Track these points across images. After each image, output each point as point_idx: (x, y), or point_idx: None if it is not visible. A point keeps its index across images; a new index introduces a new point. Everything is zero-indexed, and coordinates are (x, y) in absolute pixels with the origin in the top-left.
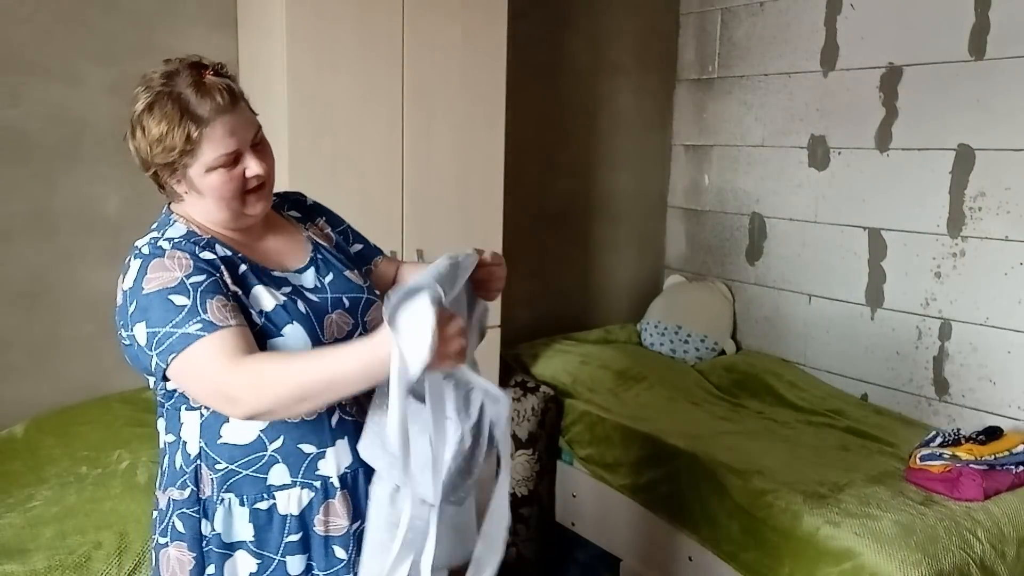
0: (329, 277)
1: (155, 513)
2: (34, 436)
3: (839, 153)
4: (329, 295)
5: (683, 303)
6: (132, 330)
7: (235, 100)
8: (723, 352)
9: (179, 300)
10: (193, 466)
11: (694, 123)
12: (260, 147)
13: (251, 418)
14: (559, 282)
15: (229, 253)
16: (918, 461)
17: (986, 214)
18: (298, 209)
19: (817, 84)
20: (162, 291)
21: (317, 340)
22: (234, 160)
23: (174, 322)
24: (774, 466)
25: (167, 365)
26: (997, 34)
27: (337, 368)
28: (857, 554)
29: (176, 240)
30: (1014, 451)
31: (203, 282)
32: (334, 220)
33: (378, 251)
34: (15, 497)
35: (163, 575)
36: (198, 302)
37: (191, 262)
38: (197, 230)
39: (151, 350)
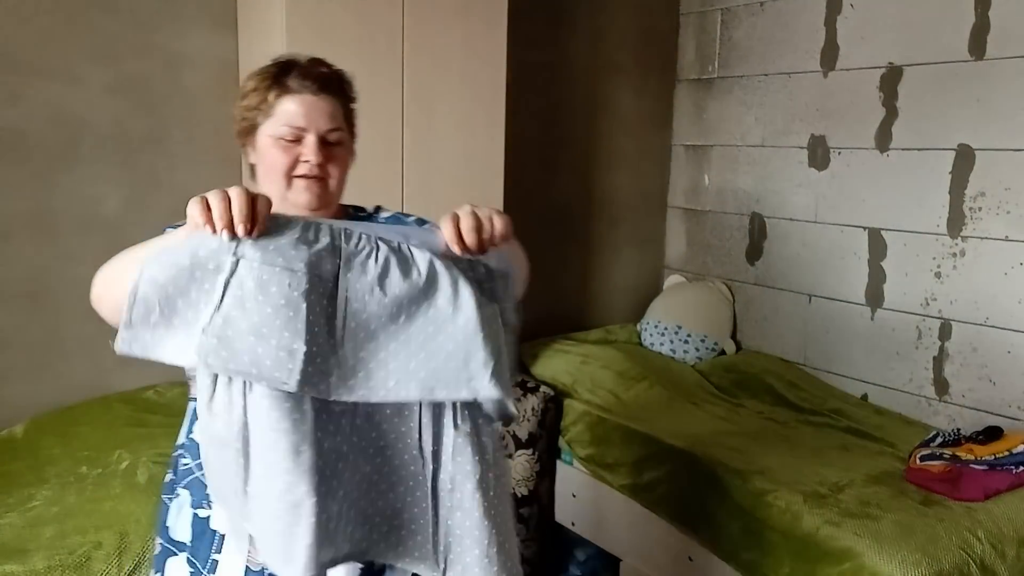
0: None
1: None
2: (34, 436)
3: (839, 153)
4: None
5: (683, 303)
6: None
7: (325, 89)
8: (723, 352)
9: None
10: (176, 454)
11: (694, 123)
12: (332, 146)
13: (94, 302)
14: (559, 282)
15: None
16: (918, 461)
17: (986, 214)
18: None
19: (817, 84)
20: None
21: None
22: (297, 139)
23: None
24: (774, 466)
25: None
26: (997, 34)
27: (165, 241)
28: (857, 554)
29: None
30: (1014, 451)
31: None
32: None
33: None
34: (15, 497)
35: None
36: None
37: None
38: None
39: None
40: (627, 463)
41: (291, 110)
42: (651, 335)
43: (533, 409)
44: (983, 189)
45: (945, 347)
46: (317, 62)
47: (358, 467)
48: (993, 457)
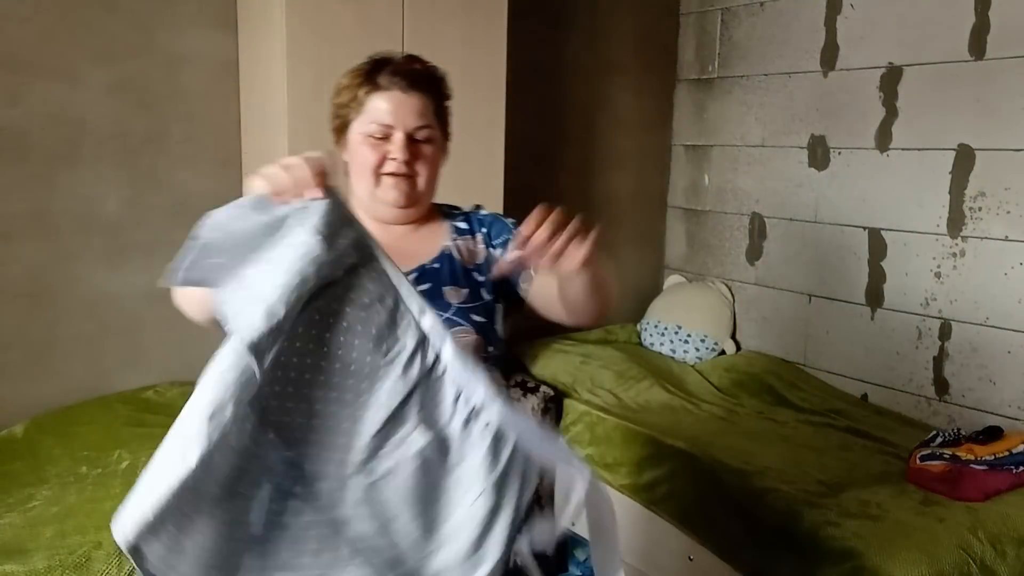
0: (424, 287)
1: None
2: (34, 436)
3: (839, 153)
4: None
5: (683, 303)
6: None
7: (415, 86)
8: (723, 352)
9: None
10: None
11: (694, 123)
12: (420, 144)
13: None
14: None
15: None
16: (918, 461)
17: (986, 214)
18: (467, 222)
19: (817, 84)
20: None
21: None
22: (385, 137)
23: None
24: (774, 466)
25: None
26: (997, 34)
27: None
28: (857, 554)
29: None
30: (1014, 451)
31: None
32: (497, 232)
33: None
34: (15, 497)
35: None
36: None
37: None
38: None
39: None
40: (627, 463)
41: (380, 107)
42: (651, 335)
43: (533, 409)
44: (983, 189)
45: (945, 347)
46: (411, 59)
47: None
48: (993, 457)
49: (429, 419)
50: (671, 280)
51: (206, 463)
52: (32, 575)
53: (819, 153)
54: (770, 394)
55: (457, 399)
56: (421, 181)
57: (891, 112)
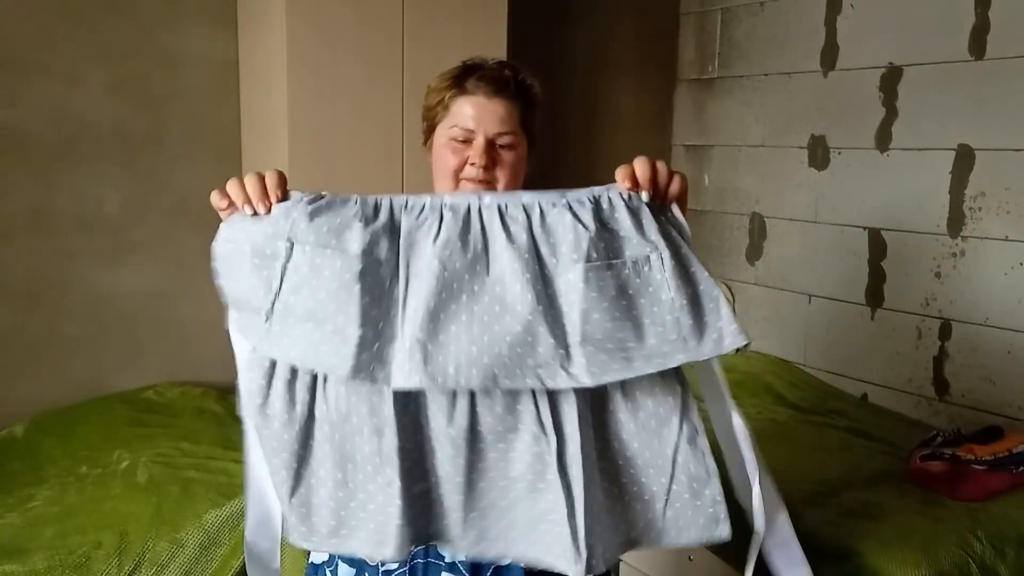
0: None
1: None
2: (34, 436)
3: (839, 153)
4: None
5: None
6: None
7: (500, 92)
8: None
9: None
10: None
11: (694, 123)
12: (501, 149)
13: None
14: None
15: None
16: (918, 461)
17: (986, 214)
18: None
19: (817, 84)
20: None
21: None
22: (467, 141)
23: None
24: (774, 466)
25: None
26: (997, 34)
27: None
28: (857, 554)
29: None
30: (1014, 451)
31: None
32: None
33: None
34: (15, 497)
35: None
36: None
37: None
38: None
39: None
40: None
41: (463, 111)
42: None
43: None
44: (983, 189)
45: (945, 347)
46: (501, 65)
47: (456, 454)
48: (993, 457)
49: (569, 249)
50: None
51: (410, 480)
52: (32, 575)
53: (819, 153)
54: (770, 394)
55: (572, 211)
56: (500, 187)
57: (891, 112)
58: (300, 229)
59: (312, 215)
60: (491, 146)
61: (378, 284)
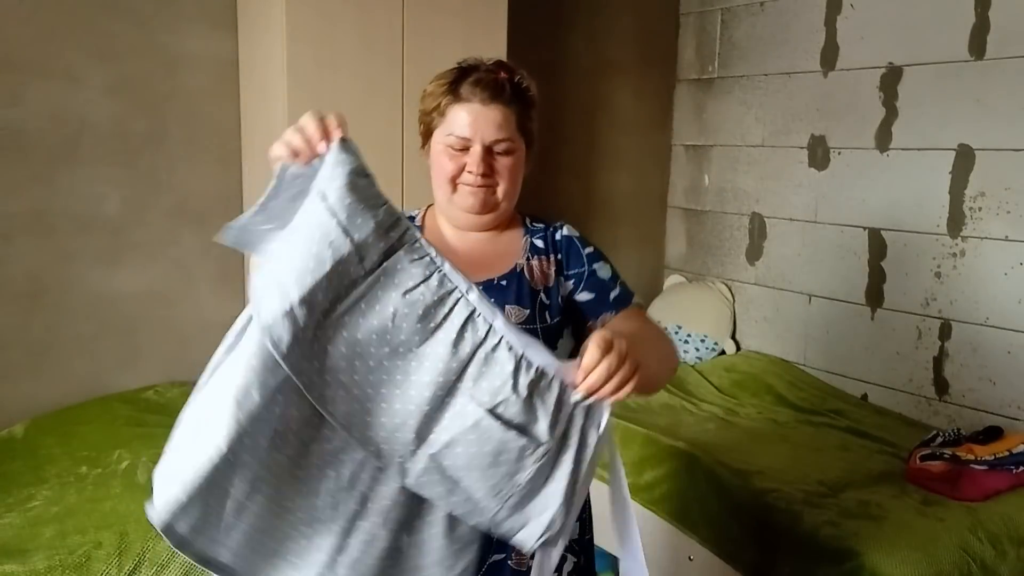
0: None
1: None
2: (34, 436)
3: (839, 153)
4: None
5: (683, 303)
6: None
7: (496, 98)
8: (723, 352)
9: None
10: None
11: (694, 123)
12: (498, 156)
13: None
14: None
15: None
16: (918, 461)
17: (986, 214)
18: (545, 241)
19: (817, 84)
20: None
21: None
22: (464, 148)
23: None
24: (774, 466)
25: None
26: (997, 34)
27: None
28: (857, 554)
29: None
30: (1014, 451)
31: None
32: (572, 263)
33: (614, 306)
34: (15, 497)
35: None
36: None
37: None
38: (420, 213)
39: None
40: (627, 463)
41: (459, 119)
42: None
43: None
44: (983, 189)
45: (945, 347)
46: (497, 67)
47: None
48: (993, 457)
49: (488, 390)
50: (671, 280)
51: (241, 446)
52: (32, 575)
53: (819, 153)
54: (770, 394)
55: (518, 366)
56: (500, 191)
57: (891, 112)
58: (333, 187)
59: (350, 187)
60: (488, 153)
61: (343, 279)
